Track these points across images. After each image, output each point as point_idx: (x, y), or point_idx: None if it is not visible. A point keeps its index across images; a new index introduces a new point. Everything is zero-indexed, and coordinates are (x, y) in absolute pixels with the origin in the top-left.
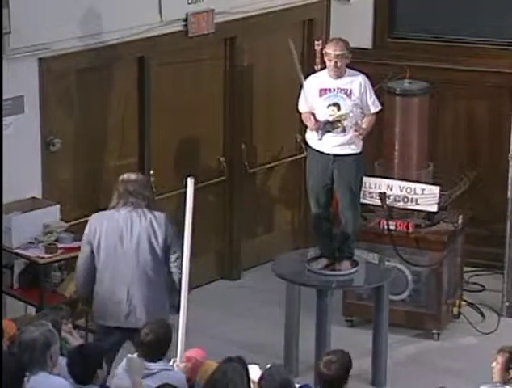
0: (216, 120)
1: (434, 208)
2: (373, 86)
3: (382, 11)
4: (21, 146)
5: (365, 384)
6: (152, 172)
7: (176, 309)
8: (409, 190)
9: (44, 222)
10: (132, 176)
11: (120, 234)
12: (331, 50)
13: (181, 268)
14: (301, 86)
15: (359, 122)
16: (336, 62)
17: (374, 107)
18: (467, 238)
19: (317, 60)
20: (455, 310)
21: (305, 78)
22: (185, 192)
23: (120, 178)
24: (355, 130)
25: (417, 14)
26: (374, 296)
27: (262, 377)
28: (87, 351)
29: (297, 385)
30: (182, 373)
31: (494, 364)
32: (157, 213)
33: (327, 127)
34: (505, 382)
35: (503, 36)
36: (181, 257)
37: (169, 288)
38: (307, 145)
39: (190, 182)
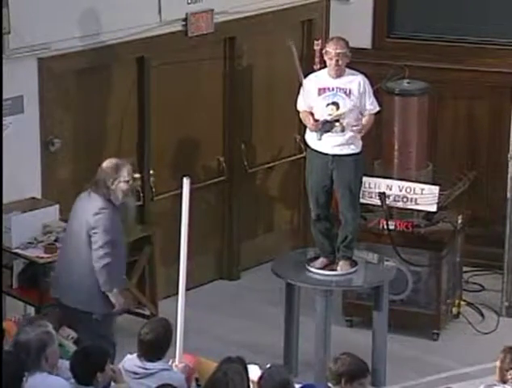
0: (215, 119)
1: (434, 208)
2: (372, 86)
3: (381, 11)
4: (21, 146)
5: None
6: (152, 172)
7: (108, 286)
8: (408, 190)
9: (44, 222)
10: (103, 164)
11: (73, 217)
12: (332, 48)
13: (101, 258)
14: (301, 85)
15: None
16: (337, 60)
17: (373, 107)
18: (467, 238)
19: (316, 60)
20: (455, 310)
21: (305, 77)
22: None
23: None
24: (354, 125)
25: (416, 14)
26: (373, 296)
27: (261, 377)
28: (90, 352)
29: (297, 386)
30: (181, 373)
31: (498, 363)
32: (100, 201)
33: (326, 127)
34: (505, 382)
35: (503, 36)
36: (103, 247)
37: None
38: (306, 145)
39: (186, 182)
